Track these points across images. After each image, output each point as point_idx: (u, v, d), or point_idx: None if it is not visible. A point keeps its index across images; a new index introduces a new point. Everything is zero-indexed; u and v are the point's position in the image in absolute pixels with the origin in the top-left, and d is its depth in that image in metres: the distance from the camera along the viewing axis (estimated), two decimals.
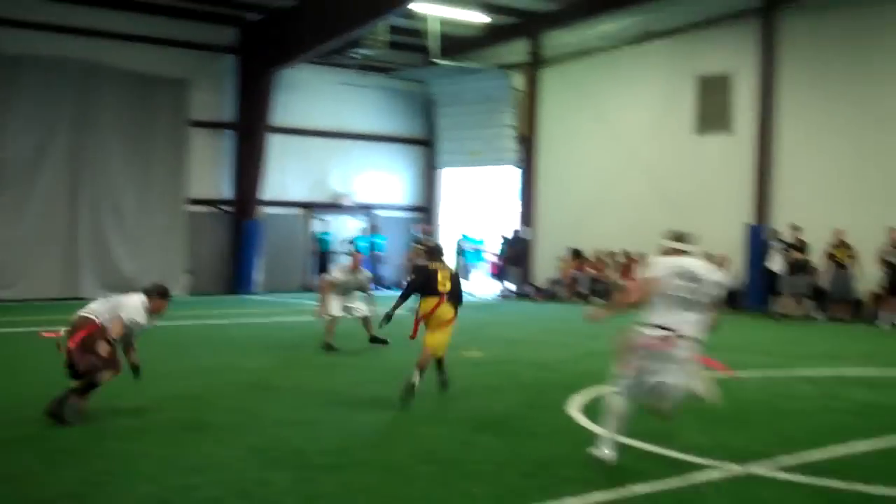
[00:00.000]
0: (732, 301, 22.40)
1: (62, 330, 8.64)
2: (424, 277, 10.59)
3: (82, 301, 20.35)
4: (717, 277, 7.24)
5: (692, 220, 22.84)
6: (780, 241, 21.01)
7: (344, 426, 8.62)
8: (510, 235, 27.96)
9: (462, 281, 12.60)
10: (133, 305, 8.87)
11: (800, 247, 20.43)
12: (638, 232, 24.06)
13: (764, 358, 13.65)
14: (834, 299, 20.15)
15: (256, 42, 26.78)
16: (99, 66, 24.63)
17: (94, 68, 24.56)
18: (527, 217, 28.20)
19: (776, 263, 20.88)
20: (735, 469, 6.99)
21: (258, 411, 9.24)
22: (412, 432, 8.37)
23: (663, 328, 6.94)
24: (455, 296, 10.50)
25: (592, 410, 9.13)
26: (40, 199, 23.92)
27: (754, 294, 22.01)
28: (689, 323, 7.00)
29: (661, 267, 7.15)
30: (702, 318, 7.09)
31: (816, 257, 20.45)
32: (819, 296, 20.52)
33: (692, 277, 7.03)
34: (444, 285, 10.40)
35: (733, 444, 7.87)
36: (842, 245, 19.85)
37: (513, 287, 27.30)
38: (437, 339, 10.37)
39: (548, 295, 25.98)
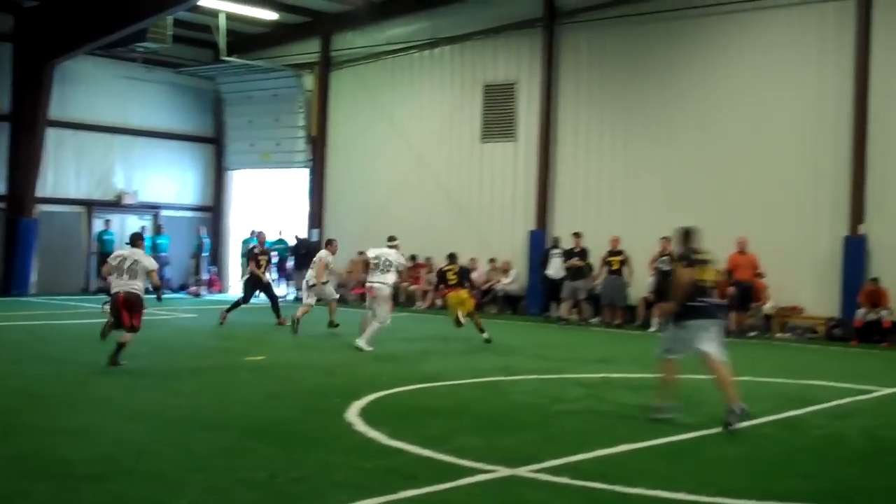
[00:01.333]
0: (514, 306, 23.13)
1: None
2: (441, 276, 17.04)
3: None
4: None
5: (479, 225, 23.64)
6: (559, 247, 21.72)
7: (113, 434, 8.35)
8: (297, 238, 27.73)
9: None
10: None
11: (579, 253, 21.17)
12: (426, 236, 24.50)
13: (539, 362, 14.10)
14: (608, 305, 21.03)
15: (34, 30, 25.54)
16: None
17: None
18: (315, 219, 28.10)
19: (554, 269, 21.57)
20: (503, 471, 7.17)
21: (26, 419, 8.84)
22: (184, 439, 8.19)
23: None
24: (461, 283, 16.61)
25: (370, 415, 9.22)
26: None
27: (535, 299, 22.72)
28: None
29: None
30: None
31: (596, 264, 21.29)
32: (596, 301, 21.38)
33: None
34: (453, 279, 16.55)
35: (504, 447, 8.08)
36: (616, 252, 20.76)
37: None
38: (463, 309, 16.30)
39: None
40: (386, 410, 9.76)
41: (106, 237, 27.43)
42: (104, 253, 26.87)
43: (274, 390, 10.95)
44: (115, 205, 28.37)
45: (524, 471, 7.24)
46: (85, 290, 27.31)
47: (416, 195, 25.77)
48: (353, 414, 9.35)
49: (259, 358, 13.32)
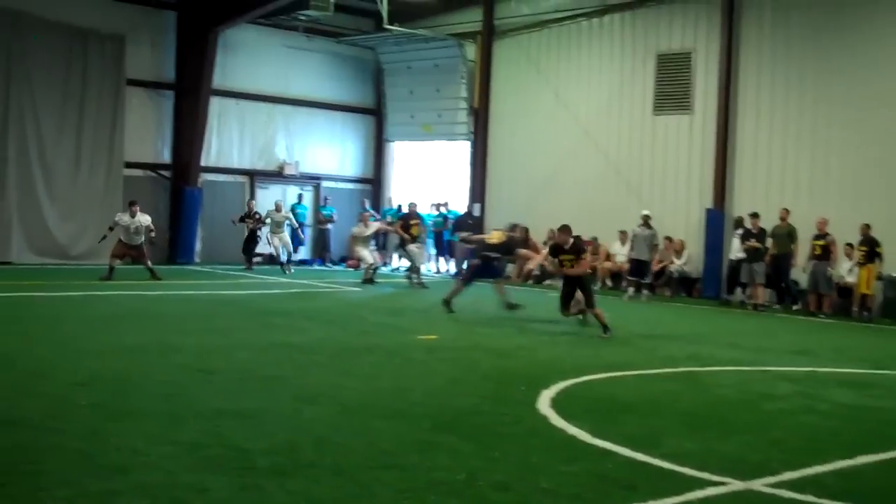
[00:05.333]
0: (689, 289, 21.87)
1: None
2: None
3: (9, 265, 19.04)
4: None
5: (649, 203, 22.35)
6: (742, 227, 20.35)
7: (289, 419, 7.67)
8: (462, 212, 27.03)
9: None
10: None
11: (757, 235, 19.75)
12: (593, 212, 23.38)
13: (731, 351, 12.96)
14: (812, 291, 19.41)
15: None
16: (30, 15, 23.27)
17: (24, 18, 23.18)
18: (477, 193, 27.29)
19: (735, 251, 20.26)
20: (736, 485, 6.18)
21: (194, 399, 8.24)
22: (366, 429, 7.44)
23: None
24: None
25: (564, 407, 8.32)
26: None
27: (711, 282, 21.41)
28: None
29: None
30: None
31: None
32: (776, 285, 19.92)
33: None
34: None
35: (725, 452, 7.08)
36: (821, 236, 19.16)
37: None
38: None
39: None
40: (579, 402, 8.85)
41: (299, 209, 27.42)
42: (298, 224, 26.96)
43: (453, 374, 10.15)
44: (277, 175, 28.23)
45: (759, 484, 6.23)
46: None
47: (582, 170, 24.66)
48: (544, 405, 8.48)
49: (432, 337, 12.57)
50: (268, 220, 24.98)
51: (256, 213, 25.70)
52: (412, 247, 22.27)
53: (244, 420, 7.50)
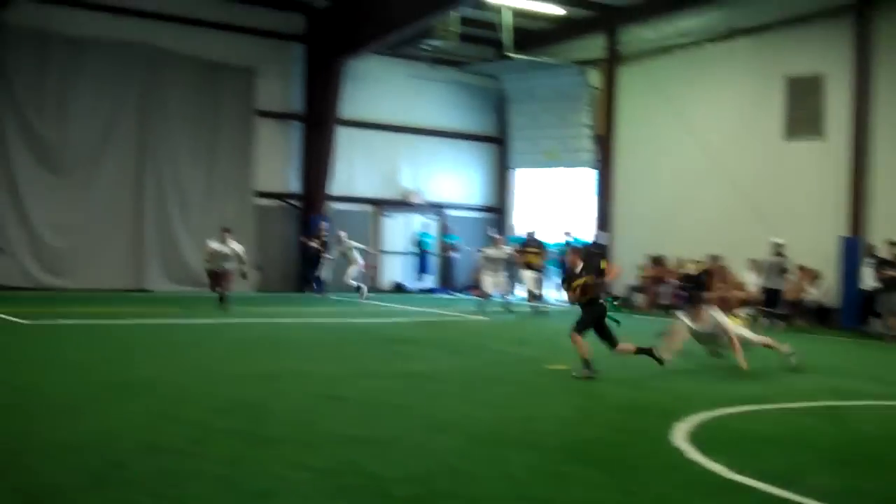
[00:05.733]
0: (825, 319, 21.21)
1: None
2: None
3: (147, 293, 19.71)
4: None
5: (780, 229, 21.74)
6: (874, 256, 19.67)
7: (422, 447, 7.69)
8: (586, 239, 26.85)
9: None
10: None
11: (894, 263, 19.03)
12: (721, 240, 22.83)
13: (873, 385, 12.47)
14: None
15: (324, 30, 26.15)
16: (165, 51, 24.21)
17: (159, 53, 24.11)
18: (603, 221, 27.07)
19: (868, 280, 19.57)
20: None
21: (327, 426, 8.35)
22: (498, 458, 7.41)
23: None
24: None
25: (701, 441, 8.13)
26: (104, 185, 23.56)
27: (849, 312, 20.71)
28: None
29: None
30: None
31: None
32: None
33: None
34: None
35: (871, 491, 6.81)
36: None
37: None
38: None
39: (625, 303, 24.79)
40: (715, 435, 8.63)
41: (425, 238, 27.72)
42: (422, 252, 27.25)
43: (583, 404, 10.05)
44: (402, 204, 28.54)
45: None
46: (373, 289, 27.59)
47: (710, 197, 24.20)
48: (679, 438, 8.30)
49: (560, 367, 12.47)
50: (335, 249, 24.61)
51: (325, 235, 25.30)
52: (528, 274, 22.29)
53: (377, 448, 7.56)
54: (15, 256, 22.50)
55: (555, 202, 29.59)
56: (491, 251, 22.43)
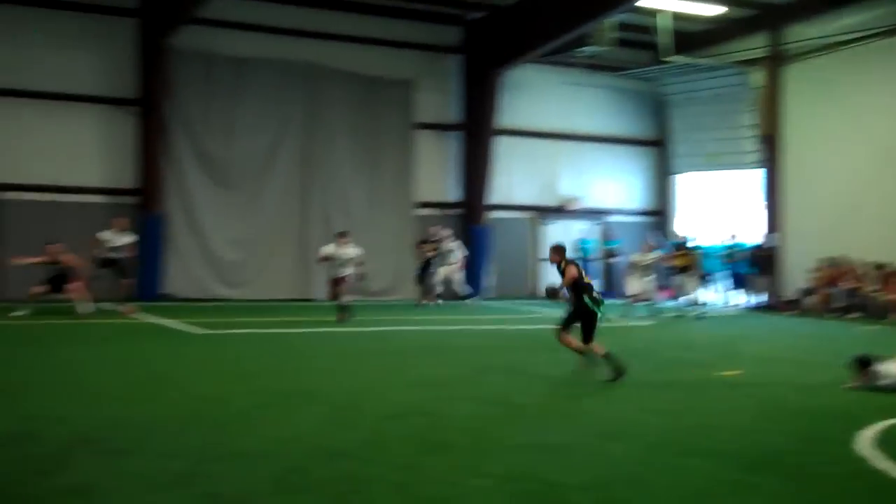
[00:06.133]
0: None
1: None
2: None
3: (313, 302, 20.15)
4: None
5: None
6: None
7: (597, 455, 7.62)
8: (756, 242, 26.15)
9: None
10: None
11: None
12: None
13: None
14: None
15: (481, 41, 26.33)
16: (325, 67, 24.82)
17: (320, 70, 24.78)
18: (773, 223, 26.26)
19: None
20: None
21: (500, 432, 8.35)
22: (674, 467, 7.27)
23: None
24: None
25: (889, 449, 7.78)
26: (271, 199, 24.27)
27: None
28: None
29: None
30: None
31: None
32: None
33: None
34: None
35: None
36: None
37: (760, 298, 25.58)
38: None
39: (797, 307, 24.02)
40: None
41: (585, 245, 27.68)
42: (584, 258, 27.16)
43: (759, 411, 9.76)
44: (562, 211, 28.44)
45: None
46: (532, 295, 27.62)
47: (884, 195, 23.18)
48: (864, 445, 7.96)
49: (735, 373, 12.15)
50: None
51: (437, 239, 24.70)
52: (679, 277, 22.16)
53: (552, 454, 7.53)
54: (190, 269, 23.44)
55: (719, 205, 28.88)
56: (637, 256, 22.30)
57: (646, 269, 21.98)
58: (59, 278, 18.57)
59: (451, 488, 6.43)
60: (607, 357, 11.52)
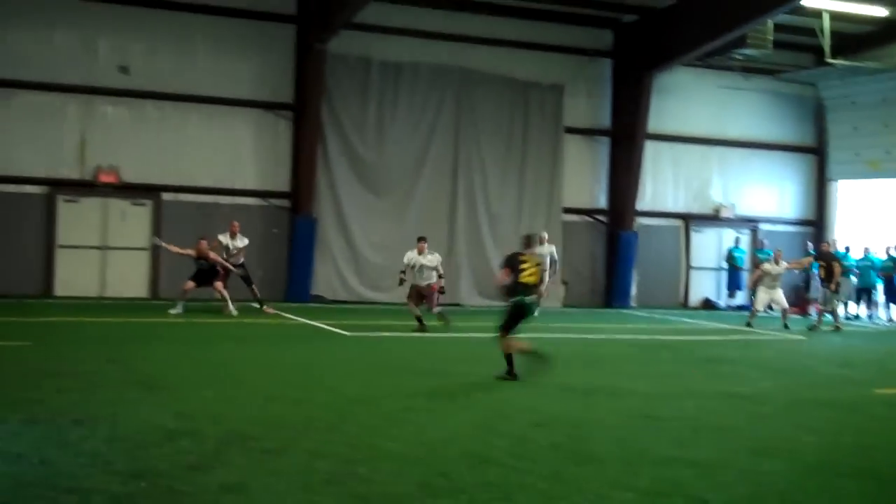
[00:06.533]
0: None
1: None
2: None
3: (459, 307, 20.23)
4: None
5: None
6: None
7: (747, 472, 7.41)
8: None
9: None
10: None
11: None
12: None
13: None
14: None
15: (632, 45, 25.93)
16: (476, 72, 24.91)
17: (471, 75, 24.87)
18: None
19: None
20: None
21: (646, 446, 8.22)
22: (831, 487, 7.02)
23: None
24: None
25: None
26: (419, 204, 24.49)
27: None
28: None
29: None
30: None
31: None
32: None
33: None
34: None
35: None
36: None
37: None
38: None
39: None
40: None
41: (736, 253, 27.15)
42: (734, 268, 26.61)
43: None
44: (713, 218, 27.84)
45: None
46: (683, 305, 27.17)
47: None
48: None
49: (893, 391, 11.69)
50: None
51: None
52: (824, 289, 21.38)
53: (700, 470, 7.38)
54: (339, 271, 23.89)
55: (881, 215, 27.73)
56: (768, 266, 21.67)
57: (774, 279, 21.43)
58: (204, 274, 19.18)
59: (598, 500, 6.37)
60: (511, 357, 11.49)
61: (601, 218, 26.63)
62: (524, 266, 11.63)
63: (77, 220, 22.33)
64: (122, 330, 16.15)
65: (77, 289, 21.93)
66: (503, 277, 11.77)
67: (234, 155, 23.37)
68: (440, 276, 17.91)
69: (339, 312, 20.38)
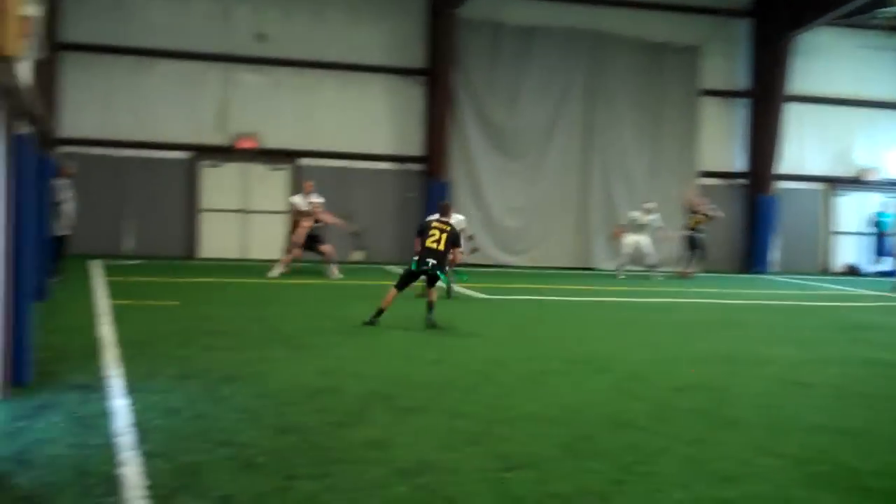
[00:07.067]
0: None
1: None
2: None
3: (593, 271, 19.97)
4: None
5: None
6: None
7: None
8: None
9: None
10: None
11: None
12: None
13: None
14: None
15: (772, 4, 25.19)
16: (609, 35, 24.65)
17: (603, 38, 24.63)
18: None
19: None
20: None
21: (791, 412, 8.05)
22: None
23: None
24: None
25: None
26: (552, 167, 24.43)
27: None
28: None
29: None
30: None
31: None
32: None
33: None
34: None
35: None
36: None
37: None
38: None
39: None
40: None
41: (882, 217, 26.35)
42: (880, 233, 25.81)
43: None
44: (856, 182, 26.95)
45: None
46: (824, 271, 26.45)
47: None
48: None
49: None
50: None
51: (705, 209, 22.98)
52: None
53: (847, 438, 7.19)
54: (474, 235, 23.92)
55: None
56: None
57: None
58: (313, 238, 19.06)
59: (742, 466, 6.27)
60: (381, 311, 12.22)
61: (739, 181, 26.05)
62: (432, 232, 12.49)
63: (218, 184, 23.02)
64: (262, 290, 16.58)
65: (219, 251, 22.66)
66: (416, 243, 12.65)
67: (368, 120, 23.69)
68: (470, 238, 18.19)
69: (472, 276, 20.45)
